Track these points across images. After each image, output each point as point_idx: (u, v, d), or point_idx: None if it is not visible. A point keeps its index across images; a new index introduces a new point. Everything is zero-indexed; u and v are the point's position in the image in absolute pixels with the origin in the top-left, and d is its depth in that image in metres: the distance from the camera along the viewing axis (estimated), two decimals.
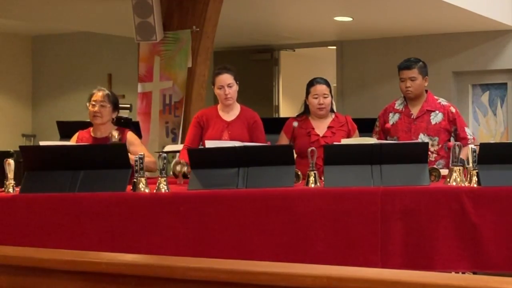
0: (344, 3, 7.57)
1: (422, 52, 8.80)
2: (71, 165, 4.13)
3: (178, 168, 4.44)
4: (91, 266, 2.41)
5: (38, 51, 11.09)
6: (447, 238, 3.77)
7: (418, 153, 4.00)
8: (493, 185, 3.82)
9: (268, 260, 3.52)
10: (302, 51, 10.42)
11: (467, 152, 4.03)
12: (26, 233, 4.00)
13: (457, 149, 3.99)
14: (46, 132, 9.85)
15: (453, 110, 4.90)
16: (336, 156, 4.03)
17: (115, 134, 4.71)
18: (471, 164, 3.90)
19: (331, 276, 2.05)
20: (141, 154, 4.11)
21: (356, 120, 4.99)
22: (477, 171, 3.86)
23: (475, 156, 3.88)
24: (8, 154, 5.89)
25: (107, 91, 4.88)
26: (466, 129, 4.89)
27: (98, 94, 4.84)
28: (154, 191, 4.04)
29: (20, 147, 4.41)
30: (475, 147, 3.94)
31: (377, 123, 5.02)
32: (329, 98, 4.81)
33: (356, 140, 4.54)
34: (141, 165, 4.04)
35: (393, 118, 4.92)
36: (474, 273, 3.86)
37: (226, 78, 4.77)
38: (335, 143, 4.39)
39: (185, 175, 4.39)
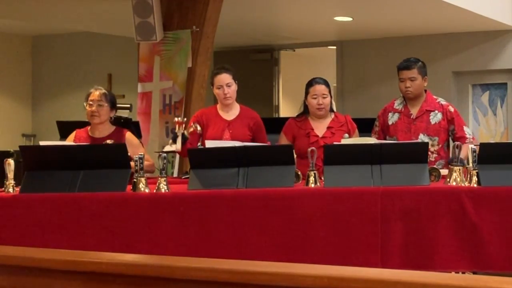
0: (344, 3, 7.57)
1: (422, 52, 8.79)
2: (71, 165, 4.13)
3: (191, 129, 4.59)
4: (91, 266, 2.40)
5: (38, 51, 11.09)
6: (447, 238, 3.77)
7: (418, 153, 4.00)
8: (493, 185, 3.82)
9: (268, 260, 3.51)
10: (302, 51, 10.41)
11: (467, 151, 4.03)
12: (26, 233, 4.00)
13: (457, 149, 3.99)
14: (46, 132, 9.85)
15: (452, 109, 4.89)
16: (336, 156, 4.03)
17: (109, 142, 4.70)
18: (471, 164, 3.90)
19: (331, 276, 2.05)
20: (141, 154, 4.11)
21: (356, 120, 4.98)
22: (477, 171, 3.86)
23: (475, 156, 3.88)
24: (8, 154, 5.88)
25: (103, 90, 4.87)
26: (465, 128, 4.87)
27: (95, 94, 4.83)
28: (154, 191, 4.04)
29: (20, 147, 4.41)
30: (475, 147, 3.94)
31: (377, 123, 5.01)
32: (328, 98, 4.81)
33: (356, 140, 4.53)
34: (141, 165, 4.04)
35: (392, 118, 4.91)
36: (474, 273, 3.86)
37: (225, 78, 4.78)
38: (335, 143, 4.39)
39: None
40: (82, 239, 3.96)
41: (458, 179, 3.92)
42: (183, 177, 5.14)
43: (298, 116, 4.92)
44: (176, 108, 6.39)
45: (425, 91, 4.93)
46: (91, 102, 4.81)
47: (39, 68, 11.09)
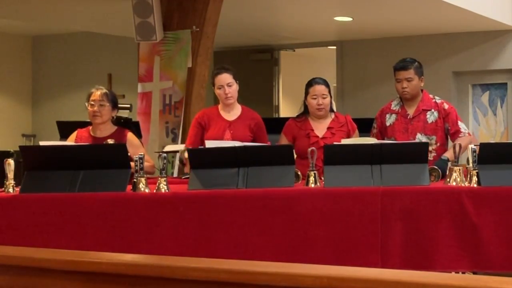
0: (344, 3, 7.57)
1: (422, 52, 8.81)
2: (71, 165, 4.13)
3: (186, 154, 4.46)
4: (91, 266, 2.41)
5: (38, 51, 11.09)
6: (447, 238, 3.77)
7: (418, 153, 4.00)
8: (493, 185, 3.82)
9: (268, 260, 3.51)
10: (302, 51, 10.41)
11: (464, 143, 4.01)
12: (26, 233, 3.99)
13: (457, 149, 3.99)
14: (46, 132, 9.85)
15: (446, 106, 4.85)
16: (336, 156, 4.03)
17: (110, 141, 4.69)
18: (471, 164, 3.90)
19: (331, 276, 2.05)
20: (141, 154, 4.10)
21: (356, 120, 4.98)
22: (477, 171, 3.86)
23: (475, 156, 3.88)
24: (8, 154, 5.88)
25: (105, 90, 4.87)
26: (460, 123, 4.82)
27: (96, 93, 4.82)
28: (154, 191, 4.04)
29: (20, 147, 4.40)
30: (475, 147, 3.94)
31: (375, 125, 5.00)
32: (328, 98, 4.80)
33: (356, 140, 4.53)
34: (141, 165, 4.04)
35: (390, 119, 4.90)
36: (474, 273, 3.86)
37: (226, 78, 4.78)
38: (335, 143, 4.38)
39: None
40: (82, 239, 3.96)
41: (458, 179, 3.92)
42: (183, 177, 5.14)
43: (298, 116, 4.91)
44: (176, 108, 6.39)
45: (422, 90, 4.92)
46: (92, 102, 4.80)
47: (39, 68, 11.09)
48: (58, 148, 4.42)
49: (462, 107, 8.95)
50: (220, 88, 4.79)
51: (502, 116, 8.98)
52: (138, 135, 5.96)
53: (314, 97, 4.77)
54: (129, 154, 4.26)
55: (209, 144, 4.41)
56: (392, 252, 3.79)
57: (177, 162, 6.23)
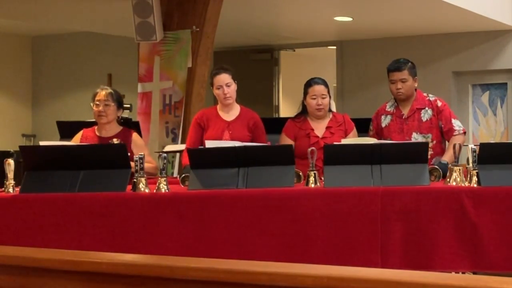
0: (344, 3, 7.57)
1: (422, 52, 8.82)
2: (71, 165, 4.13)
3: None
4: (91, 266, 2.41)
5: (38, 51, 11.09)
6: (447, 238, 3.77)
7: (418, 153, 4.00)
8: (493, 185, 3.82)
9: (268, 260, 3.52)
10: (302, 51, 10.41)
11: (458, 145, 3.99)
12: (26, 233, 4.00)
13: (457, 148, 3.99)
14: (46, 132, 9.85)
15: (439, 103, 4.83)
16: (336, 156, 4.03)
17: (115, 141, 4.70)
18: (471, 164, 3.90)
19: (331, 276, 2.05)
20: (141, 154, 4.10)
21: (356, 120, 4.98)
22: (477, 171, 3.86)
23: (475, 156, 3.88)
24: (8, 154, 5.88)
25: (110, 90, 4.87)
26: (453, 121, 4.79)
27: (102, 93, 4.82)
28: (154, 191, 4.04)
29: (20, 147, 4.41)
30: (475, 147, 3.94)
31: (371, 127, 4.98)
32: (327, 99, 4.79)
33: (356, 140, 4.53)
34: (141, 165, 4.04)
35: (385, 120, 4.90)
36: (474, 273, 3.86)
37: (224, 78, 4.78)
38: (335, 143, 4.38)
39: None
40: (82, 239, 3.96)
41: (458, 179, 3.92)
42: None
43: (296, 116, 4.90)
44: (176, 108, 6.40)
45: (415, 89, 4.90)
46: (97, 102, 4.80)
47: (39, 68, 11.09)
48: (58, 148, 4.42)
49: (462, 107, 8.96)
50: (219, 88, 4.79)
51: (502, 116, 8.98)
52: (139, 135, 5.96)
53: (314, 97, 4.77)
54: (133, 154, 4.26)
55: (209, 144, 4.41)
56: (392, 252, 3.79)
57: (177, 162, 6.23)
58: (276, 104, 10.28)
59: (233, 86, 4.81)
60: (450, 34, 8.96)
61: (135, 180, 4.06)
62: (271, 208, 3.90)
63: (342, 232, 3.84)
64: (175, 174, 6.15)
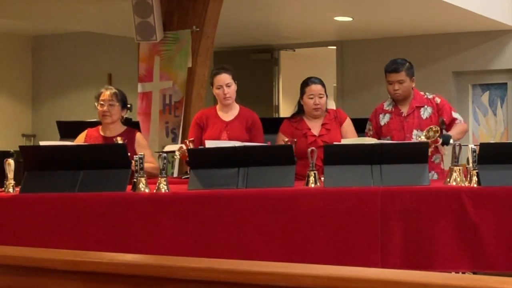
0: (344, 3, 7.57)
1: (422, 52, 8.82)
2: (71, 165, 4.13)
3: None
4: (91, 266, 2.41)
5: (38, 51, 11.09)
6: (447, 238, 3.77)
7: (418, 153, 4.00)
8: (493, 185, 3.82)
9: (268, 260, 3.52)
10: (302, 51, 10.41)
11: (459, 130, 4.00)
12: (26, 233, 4.00)
13: (457, 149, 3.99)
14: (46, 132, 9.85)
15: (438, 100, 4.85)
16: (336, 156, 4.03)
17: (119, 139, 4.70)
18: (471, 164, 3.90)
19: (331, 276, 2.05)
20: (141, 154, 4.11)
21: (356, 120, 4.98)
22: (477, 171, 3.86)
23: (475, 156, 3.88)
24: (8, 154, 5.87)
25: (114, 90, 4.87)
26: (454, 113, 4.84)
27: (106, 93, 4.82)
28: (154, 191, 4.04)
29: (20, 147, 4.41)
30: (475, 147, 3.94)
31: (370, 126, 4.98)
32: (325, 98, 4.79)
33: (356, 140, 4.53)
34: (141, 165, 4.04)
35: (384, 119, 4.90)
36: (474, 273, 3.86)
37: (225, 78, 4.78)
38: (335, 143, 4.38)
39: None
40: (82, 239, 3.96)
41: (458, 179, 3.92)
42: (183, 177, 5.14)
43: (292, 116, 4.90)
44: (176, 108, 6.39)
45: (412, 88, 4.91)
46: (102, 102, 4.80)
47: (39, 68, 11.09)
48: (58, 148, 4.42)
49: (462, 107, 8.95)
50: (219, 88, 4.79)
51: (502, 116, 8.98)
52: None
53: (311, 96, 4.77)
54: (137, 154, 4.26)
55: (209, 144, 4.42)
56: (392, 252, 3.79)
57: (177, 162, 6.23)
58: (276, 104, 10.27)
59: (233, 87, 4.81)
60: (450, 34, 8.96)
61: (135, 180, 4.06)
62: (271, 208, 3.90)
63: (342, 232, 3.84)
64: (175, 174, 6.15)
